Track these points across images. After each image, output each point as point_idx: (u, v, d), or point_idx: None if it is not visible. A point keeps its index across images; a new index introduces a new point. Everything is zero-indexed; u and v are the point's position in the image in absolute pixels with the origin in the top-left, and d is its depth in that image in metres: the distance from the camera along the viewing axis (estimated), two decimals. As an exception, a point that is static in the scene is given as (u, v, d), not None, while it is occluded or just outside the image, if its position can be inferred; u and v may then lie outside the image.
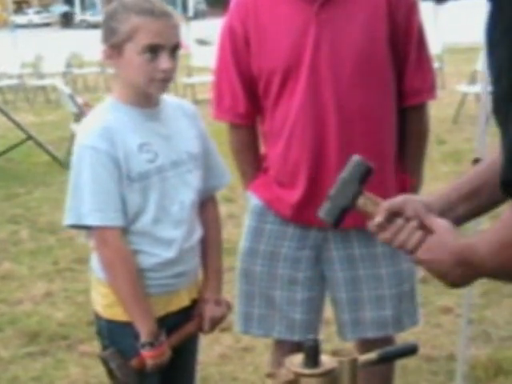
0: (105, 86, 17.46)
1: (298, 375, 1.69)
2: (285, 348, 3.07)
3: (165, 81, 2.53)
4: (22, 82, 16.95)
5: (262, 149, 3.13)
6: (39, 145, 10.06)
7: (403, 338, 3.41)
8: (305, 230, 2.99)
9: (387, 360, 1.93)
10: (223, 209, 7.09)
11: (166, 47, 2.48)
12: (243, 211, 3.32)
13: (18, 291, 5.64)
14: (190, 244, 2.67)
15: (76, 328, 4.85)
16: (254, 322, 3.12)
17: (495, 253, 1.66)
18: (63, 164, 9.49)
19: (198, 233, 2.73)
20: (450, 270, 1.77)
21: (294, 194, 2.92)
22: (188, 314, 2.74)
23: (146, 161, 2.54)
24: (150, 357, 2.56)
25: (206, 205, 2.81)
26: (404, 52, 2.90)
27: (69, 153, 9.51)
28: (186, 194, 2.63)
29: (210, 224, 2.81)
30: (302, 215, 2.94)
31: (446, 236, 1.82)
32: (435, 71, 3.15)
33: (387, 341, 3.04)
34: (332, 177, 2.84)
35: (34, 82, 17.08)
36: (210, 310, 2.73)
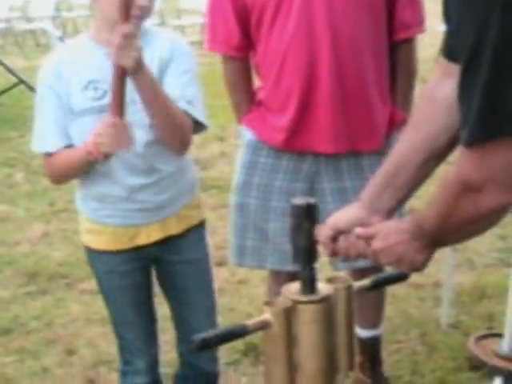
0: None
1: (296, 302, 1.72)
2: (280, 279, 3.10)
3: (140, 18, 2.43)
4: (10, 25, 16.71)
5: (255, 83, 3.13)
6: (31, 89, 9.96)
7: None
8: (298, 163, 3.01)
9: (380, 286, 1.96)
10: (215, 147, 7.18)
11: None
12: (235, 149, 3.34)
13: (15, 233, 5.65)
14: (150, 181, 2.61)
15: (74, 267, 4.87)
16: (248, 254, 3.15)
17: (442, 212, 1.65)
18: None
19: (166, 168, 2.63)
20: (407, 248, 1.75)
21: (285, 119, 2.93)
22: (173, 246, 2.74)
23: (90, 98, 2.51)
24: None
25: None
26: None
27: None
28: (137, 133, 2.50)
29: None
30: (294, 142, 2.96)
31: (393, 221, 1.84)
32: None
33: (377, 269, 3.07)
34: (323, 103, 2.87)
35: (23, 25, 16.85)
36: None
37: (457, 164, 1.58)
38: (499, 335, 3.63)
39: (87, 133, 2.46)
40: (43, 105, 2.57)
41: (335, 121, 2.88)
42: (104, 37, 2.47)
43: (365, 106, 2.93)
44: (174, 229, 2.73)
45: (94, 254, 2.74)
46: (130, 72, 2.35)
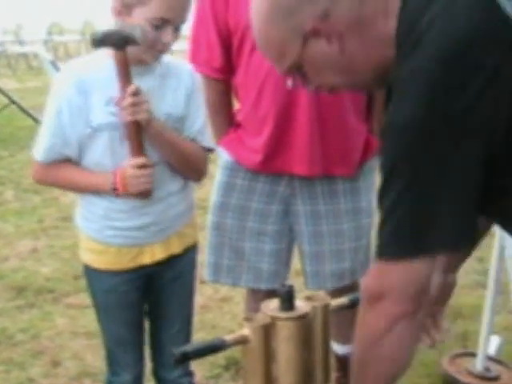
0: (86, 53, 17.32)
1: (275, 319, 1.72)
2: (258, 296, 3.09)
3: (162, 52, 2.47)
4: (3, 48, 16.71)
5: (235, 105, 3.12)
6: (22, 110, 9.97)
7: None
8: (274, 185, 2.99)
9: (358, 304, 1.96)
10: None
11: (173, 23, 2.41)
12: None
13: (4, 248, 5.63)
14: (157, 197, 2.58)
15: (62, 282, 4.87)
16: (223, 272, 3.13)
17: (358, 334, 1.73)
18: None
19: (171, 187, 2.63)
20: None
21: (261, 140, 2.90)
22: (170, 266, 2.71)
23: (111, 113, 2.47)
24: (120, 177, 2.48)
25: None
26: None
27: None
28: (151, 152, 2.53)
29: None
30: (269, 164, 2.93)
31: None
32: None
33: (354, 287, 3.08)
34: (300, 126, 2.86)
35: (16, 48, 16.87)
36: None
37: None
38: (473, 354, 3.63)
39: (104, 148, 2.48)
40: (55, 116, 2.48)
41: (311, 144, 2.86)
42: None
43: (341, 131, 2.92)
44: (176, 248, 2.71)
45: (93, 273, 2.67)
46: (144, 125, 2.44)
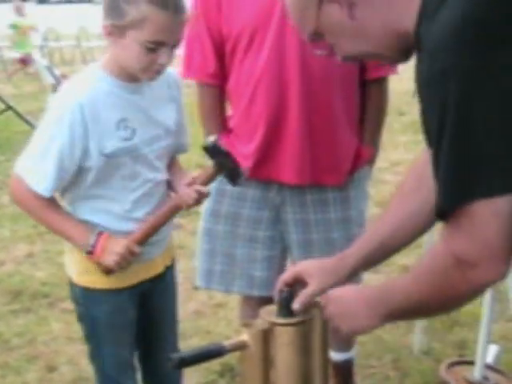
0: (81, 58, 17.34)
1: (273, 324, 1.71)
2: (252, 302, 3.09)
3: (159, 72, 2.38)
4: (-1, 54, 16.73)
5: (228, 111, 3.10)
6: (18, 115, 9.96)
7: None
8: (264, 192, 2.99)
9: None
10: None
11: (168, 44, 2.31)
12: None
13: (0, 253, 5.61)
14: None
15: (57, 287, 4.83)
16: (216, 278, 3.12)
17: (416, 281, 1.59)
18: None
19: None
20: (356, 310, 1.72)
21: (252, 146, 2.90)
22: (163, 278, 2.69)
23: (122, 138, 2.40)
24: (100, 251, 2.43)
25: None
26: None
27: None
28: (157, 171, 2.53)
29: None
30: (260, 170, 2.92)
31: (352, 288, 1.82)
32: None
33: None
34: (290, 133, 2.85)
35: (12, 54, 16.85)
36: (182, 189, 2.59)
37: (445, 237, 1.50)
38: (470, 362, 3.61)
39: (119, 173, 2.43)
40: (52, 142, 2.34)
41: (300, 153, 2.85)
42: (118, 72, 2.40)
43: (331, 140, 2.89)
44: (168, 259, 2.71)
45: (96, 295, 2.56)
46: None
